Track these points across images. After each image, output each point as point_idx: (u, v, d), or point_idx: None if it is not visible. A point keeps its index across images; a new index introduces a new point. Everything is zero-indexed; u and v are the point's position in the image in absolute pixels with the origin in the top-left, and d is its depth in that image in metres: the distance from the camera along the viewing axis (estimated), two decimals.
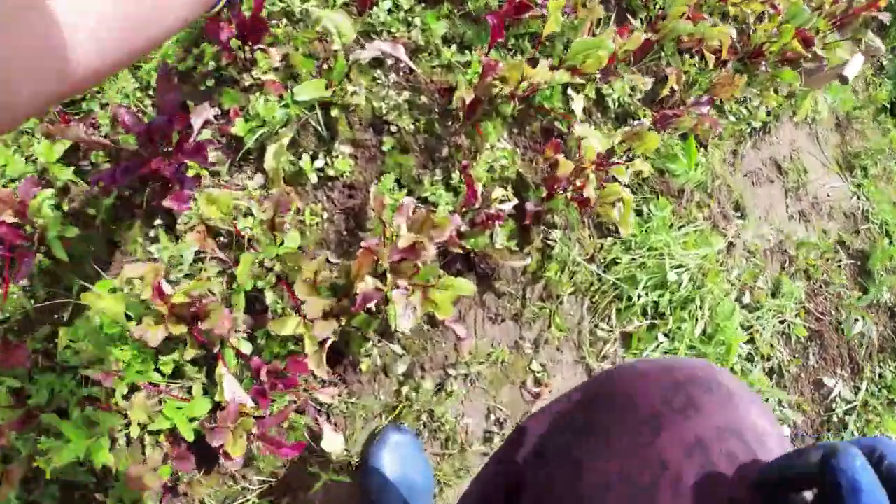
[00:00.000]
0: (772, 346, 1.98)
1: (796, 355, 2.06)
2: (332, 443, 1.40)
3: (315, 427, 1.47)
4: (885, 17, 2.14)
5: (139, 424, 1.40)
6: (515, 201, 1.48)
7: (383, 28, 1.69)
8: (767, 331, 1.96)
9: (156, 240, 1.47)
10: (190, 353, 1.36)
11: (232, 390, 1.31)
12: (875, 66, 2.51)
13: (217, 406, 1.44)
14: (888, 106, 2.50)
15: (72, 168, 1.46)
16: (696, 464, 0.51)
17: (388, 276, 1.34)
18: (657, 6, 2.03)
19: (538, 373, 1.67)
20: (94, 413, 1.40)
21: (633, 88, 1.87)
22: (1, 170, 1.47)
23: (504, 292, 1.64)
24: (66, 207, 1.46)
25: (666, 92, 1.85)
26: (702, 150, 1.95)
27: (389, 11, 1.71)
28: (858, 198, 2.32)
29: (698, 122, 1.81)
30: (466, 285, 1.35)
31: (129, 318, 1.42)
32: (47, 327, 1.43)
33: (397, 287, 1.29)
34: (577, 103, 1.71)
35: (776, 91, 2.11)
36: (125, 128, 1.34)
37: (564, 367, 1.71)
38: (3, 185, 1.48)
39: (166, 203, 1.39)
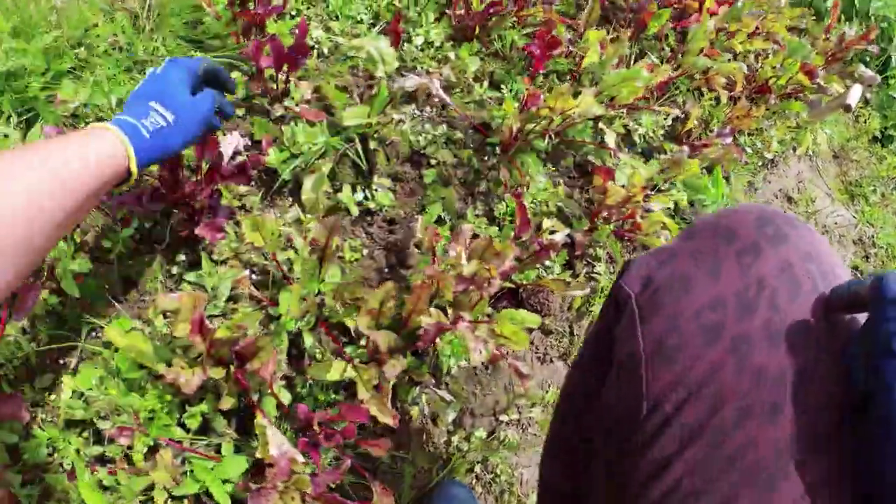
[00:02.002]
0: None
1: None
2: None
3: (364, 486, 1.32)
4: (875, 49, 2.27)
5: (164, 489, 1.23)
6: (567, 230, 1.43)
7: (416, 63, 1.66)
8: None
9: (193, 266, 1.33)
10: (227, 403, 1.21)
11: (278, 444, 1.16)
12: (861, 100, 2.64)
13: (255, 465, 1.28)
14: (879, 136, 2.62)
15: None
16: (786, 280, 0.65)
17: (449, 309, 1.25)
18: (669, 47, 2.09)
19: None
20: (107, 476, 1.22)
21: (656, 123, 1.88)
22: None
23: (552, 330, 1.56)
24: (77, 239, 1.32)
25: (691, 125, 1.87)
26: (724, 181, 1.97)
27: (421, 49, 1.69)
28: (863, 224, 2.38)
29: (724, 153, 1.83)
30: (531, 317, 1.26)
31: (140, 366, 1.27)
32: (49, 375, 1.26)
33: (462, 320, 1.19)
34: (610, 136, 1.70)
35: (785, 123, 2.18)
36: None
37: None
38: None
39: (200, 231, 1.27)
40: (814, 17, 2.50)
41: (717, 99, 2.03)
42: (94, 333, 1.29)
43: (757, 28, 2.14)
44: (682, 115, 1.98)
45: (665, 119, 1.90)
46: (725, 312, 0.66)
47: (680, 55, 1.95)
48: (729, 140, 1.85)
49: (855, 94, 2.05)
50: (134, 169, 0.84)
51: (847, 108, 2.04)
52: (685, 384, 0.66)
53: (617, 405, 0.76)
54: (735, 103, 2.03)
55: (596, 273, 1.60)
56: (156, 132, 0.87)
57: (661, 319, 0.70)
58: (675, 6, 2.06)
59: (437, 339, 1.35)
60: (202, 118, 0.95)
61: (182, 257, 1.34)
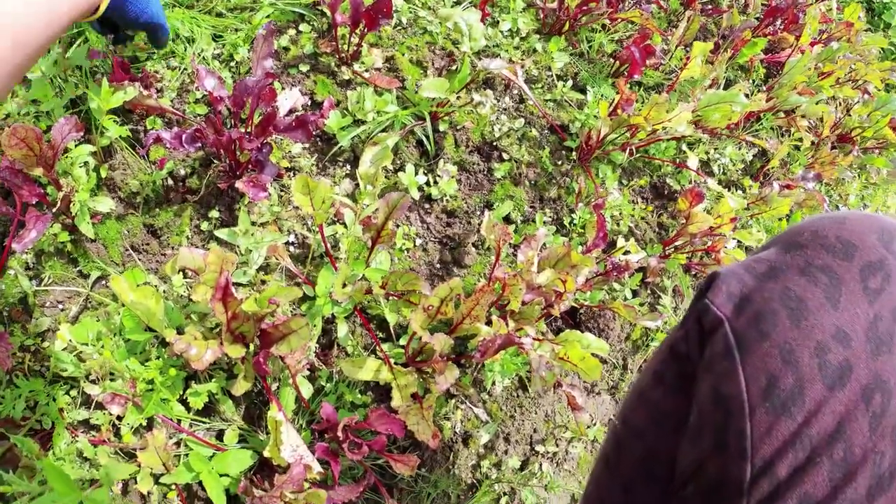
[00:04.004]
0: None
1: None
2: None
3: (377, 503, 1.09)
4: None
5: (152, 474, 1.01)
6: (643, 253, 1.20)
7: (498, 50, 1.45)
8: None
9: (226, 225, 1.12)
10: (241, 387, 0.99)
11: (293, 445, 0.94)
12: None
13: (261, 463, 1.05)
14: None
15: (126, 126, 1.13)
16: None
17: (509, 320, 1.02)
18: (759, 79, 1.86)
19: None
20: (88, 447, 1.00)
21: (738, 156, 1.66)
22: (33, 108, 1.12)
23: (605, 359, 1.33)
24: (104, 174, 1.11)
25: (775, 164, 1.64)
26: None
27: (506, 35, 1.48)
28: None
29: (807, 198, 1.60)
30: (600, 343, 1.04)
31: (148, 328, 1.05)
32: (46, 319, 1.05)
33: (526, 335, 0.97)
34: (693, 160, 1.48)
35: (865, 177, 1.95)
36: (204, 90, 1.03)
37: None
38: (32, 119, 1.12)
39: (240, 185, 1.05)
40: None
41: (800, 141, 1.80)
42: (103, 282, 1.08)
43: (848, 74, 1.92)
44: (763, 152, 1.75)
45: (746, 153, 1.67)
46: (851, 349, 0.49)
47: (768, 89, 1.72)
48: (812, 185, 1.62)
49: None
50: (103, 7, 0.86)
51: None
52: (804, 443, 0.48)
53: (705, 465, 0.55)
54: (817, 148, 1.80)
55: (661, 305, 1.36)
56: None
57: (771, 353, 0.51)
58: (770, 37, 1.84)
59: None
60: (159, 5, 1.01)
61: (215, 213, 1.13)
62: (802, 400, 0.49)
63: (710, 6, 1.87)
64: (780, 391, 0.50)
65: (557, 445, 1.25)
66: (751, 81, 1.82)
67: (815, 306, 0.51)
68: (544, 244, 1.20)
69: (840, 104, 2.01)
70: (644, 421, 0.68)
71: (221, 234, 1.07)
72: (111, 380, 1.03)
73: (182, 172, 1.15)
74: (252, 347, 0.98)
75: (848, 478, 0.46)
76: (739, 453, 0.51)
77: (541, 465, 1.22)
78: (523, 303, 1.01)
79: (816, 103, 1.76)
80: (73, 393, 1.04)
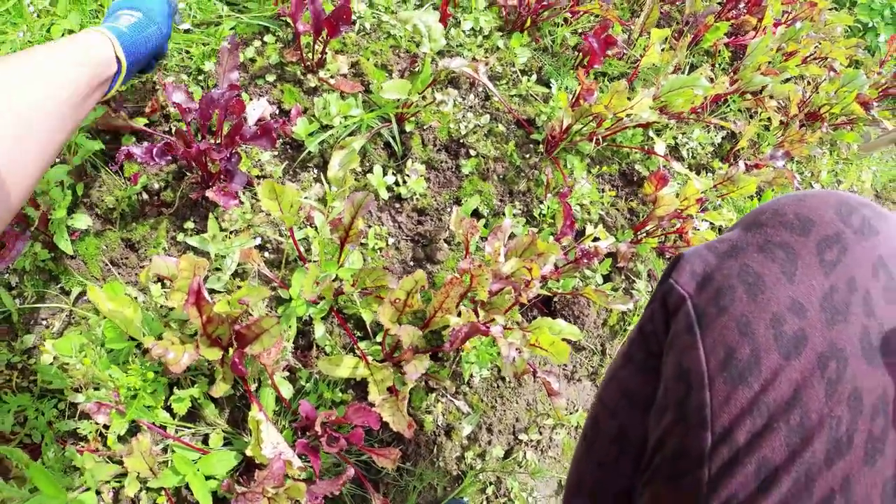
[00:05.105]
0: None
1: None
2: None
3: (363, 498, 1.12)
4: None
5: (138, 478, 1.03)
6: (612, 239, 1.23)
7: (461, 49, 1.48)
8: None
9: (202, 233, 1.14)
10: (220, 389, 1.02)
11: (273, 443, 0.96)
12: None
13: (244, 463, 1.08)
14: None
15: (96, 141, 1.15)
16: (881, 282, 0.51)
17: (480, 310, 1.04)
18: (723, 63, 1.89)
19: None
20: (76, 455, 1.03)
21: (706, 139, 1.68)
22: None
23: (583, 346, 1.35)
24: (80, 192, 1.13)
25: (743, 144, 1.67)
26: None
27: (469, 35, 1.51)
28: None
29: (776, 176, 1.63)
30: (571, 329, 1.06)
31: (131, 338, 1.08)
32: (31, 336, 1.07)
33: (495, 324, 0.99)
34: (660, 146, 1.51)
35: (836, 153, 1.97)
36: (175, 105, 1.06)
37: None
38: None
39: (211, 195, 1.08)
40: (866, 49, 2.31)
41: (768, 121, 1.83)
42: (85, 297, 1.10)
43: (813, 53, 1.95)
44: (732, 134, 1.78)
45: (715, 136, 1.70)
46: (807, 319, 0.51)
47: (733, 72, 1.75)
48: (782, 163, 1.65)
49: None
50: (121, 55, 0.90)
51: None
52: (761, 410, 0.50)
53: (669, 437, 0.57)
54: (786, 128, 1.83)
55: (635, 289, 1.39)
56: (131, 26, 0.94)
57: (728, 326, 0.54)
58: (733, 21, 1.87)
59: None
60: (167, 10, 1.05)
61: (190, 224, 1.16)
62: (759, 369, 0.51)
63: None
64: (738, 361, 0.52)
65: (541, 433, 1.28)
66: (716, 65, 1.85)
67: (772, 281, 0.54)
68: (512, 234, 1.23)
69: (809, 83, 2.04)
70: (616, 399, 0.71)
71: (192, 241, 1.09)
72: (95, 389, 1.05)
73: (156, 186, 1.17)
74: (231, 351, 1.00)
75: (805, 442, 0.48)
76: (700, 423, 0.53)
77: (525, 453, 1.24)
78: (492, 292, 1.04)
79: (784, 82, 1.80)
80: (61, 406, 1.06)
